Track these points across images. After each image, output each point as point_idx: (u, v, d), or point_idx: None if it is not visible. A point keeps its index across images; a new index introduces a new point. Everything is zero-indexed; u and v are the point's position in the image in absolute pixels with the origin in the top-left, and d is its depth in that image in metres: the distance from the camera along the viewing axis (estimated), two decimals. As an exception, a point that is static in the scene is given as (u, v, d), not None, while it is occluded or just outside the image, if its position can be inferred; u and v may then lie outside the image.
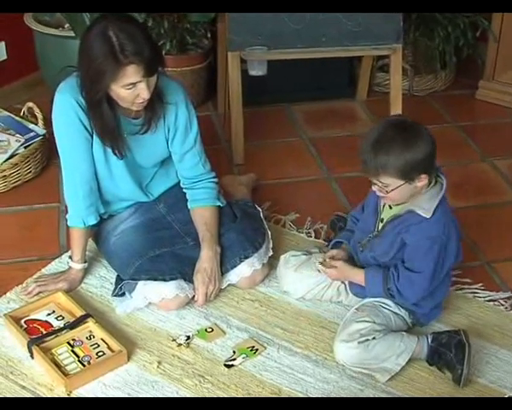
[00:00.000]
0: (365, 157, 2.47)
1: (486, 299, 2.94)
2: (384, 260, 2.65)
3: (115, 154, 2.78)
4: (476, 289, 2.99)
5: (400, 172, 2.45)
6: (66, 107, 2.72)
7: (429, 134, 2.50)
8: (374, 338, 2.53)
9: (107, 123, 2.69)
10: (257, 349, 2.66)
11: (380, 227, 2.66)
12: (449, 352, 2.54)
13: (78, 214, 2.86)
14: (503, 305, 2.92)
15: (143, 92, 2.60)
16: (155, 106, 2.77)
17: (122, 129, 2.76)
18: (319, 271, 2.78)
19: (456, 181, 3.72)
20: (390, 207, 2.64)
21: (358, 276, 2.70)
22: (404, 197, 2.56)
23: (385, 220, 2.65)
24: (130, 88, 2.58)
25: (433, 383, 2.57)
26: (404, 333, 2.61)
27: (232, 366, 2.60)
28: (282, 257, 2.94)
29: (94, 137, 2.76)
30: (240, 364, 2.60)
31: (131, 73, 2.54)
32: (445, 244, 2.56)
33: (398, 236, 2.59)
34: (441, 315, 2.80)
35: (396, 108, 3.91)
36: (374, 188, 2.55)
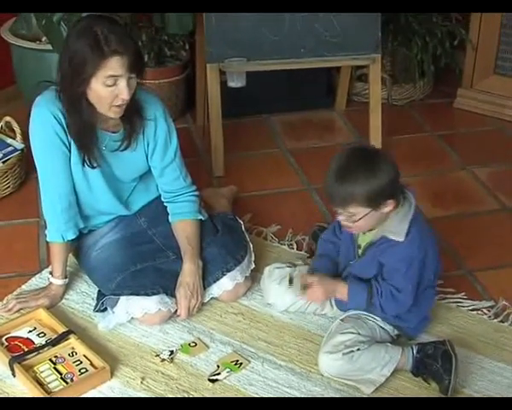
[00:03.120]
0: (331, 189, 2.47)
1: (469, 308, 2.94)
2: (366, 277, 2.64)
3: (87, 163, 2.74)
4: (459, 298, 2.99)
5: (367, 200, 2.44)
6: (43, 121, 2.69)
7: (391, 159, 2.50)
8: (358, 349, 2.52)
9: (85, 120, 2.66)
10: (241, 363, 2.64)
11: (359, 253, 2.66)
12: (435, 363, 2.54)
13: (57, 229, 2.83)
14: (486, 314, 2.92)
15: (123, 92, 2.57)
16: (134, 120, 2.76)
17: (100, 142, 2.74)
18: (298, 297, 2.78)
19: (436, 190, 3.74)
20: (364, 233, 2.63)
21: (341, 287, 2.67)
22: (371, 225, 2.55)
23: (362, 246, 2.64)
24: (110, 85, 2.55)
25: (419, 394, 2.56)
26: (389, 344, 2.61)
27: (216, 380, 2.58)
28: (267, 269, 2.92)
29: (72, 150, 2.73)
30: (224, 378, 2.58)
31: (114, 64, 2.52)
32: (422, 261, 2.55)
33: (375, 259, 2.59)
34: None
35: (375, 118, 3.93)
36: (340, 218, 2.54)
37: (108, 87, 2.56)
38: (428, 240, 2.60)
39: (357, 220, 2.49)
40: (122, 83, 2.56)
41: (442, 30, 4.35)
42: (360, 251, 2.65)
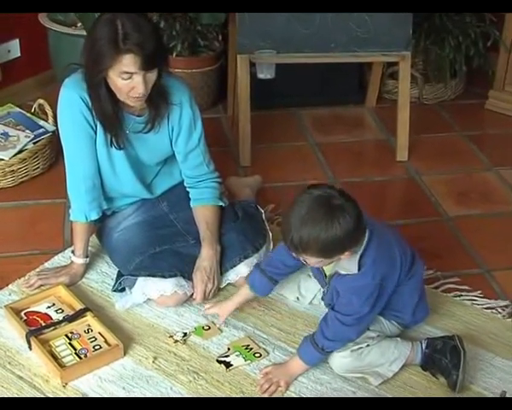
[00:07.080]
0: (286, 234, 2.38)
1: (484, 307, 2.95)
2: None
3: (114, 144, 2.80)
4: (475, 296, 2.99)
5: (320, 253, 2.38)
6: (71, 102, 2.75)
7: (354, 209, 2.36)
8: (368, 345, 2.53)
9: (105, 106, 2.70)
10: (251, 348, 2.68)
11: (327, 281, 2.61)
12: (444, 358, 2.54)
13: (81, 209, 2.89)
14: (500, 313, 2.92)
15: (139, 86, 2.60)
16: (159, 105, 2.79)
17: (125, 124, 2.79)
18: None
19: (461, 189, 3.74)
20: None
21: (295, 363, 2.58)
22: (325, 266, 2.51)
23: (328, 275, 2.58)
24: (125, 78, 2.58)
25: (427, 388, 2.57)
26: (399, 339, 2.61)
27: (223, 362, 2.62)
28: None
29: (97, 132, 2.79)
30: (232, 361, 2.62)
31: (128, 62, 2.54)
32: (380, 283, 2.48)
33: (335, 288, 2.55)
34: (429, 317, 2.80)
35: (404, 115, 3.93)
36: (293, 255, 2.47)
37: (124, 80, 2.59)
38: (385, 259, 2.51)
39: (311, 264, 2.47)
40: (137, 78, 2.59)
41: (476, 31, 4.35)
42: (327, 279, 2.60)
